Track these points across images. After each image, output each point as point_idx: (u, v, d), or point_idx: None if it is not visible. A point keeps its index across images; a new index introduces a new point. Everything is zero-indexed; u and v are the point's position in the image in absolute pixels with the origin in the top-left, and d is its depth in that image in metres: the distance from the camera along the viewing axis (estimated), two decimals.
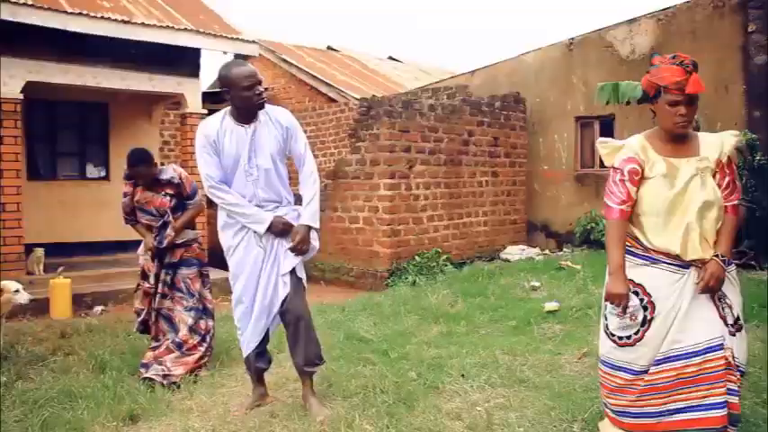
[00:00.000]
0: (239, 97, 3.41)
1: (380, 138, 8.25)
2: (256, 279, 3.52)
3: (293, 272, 3.56)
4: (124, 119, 9.70)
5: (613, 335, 2.74)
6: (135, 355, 4.86)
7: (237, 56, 13.09)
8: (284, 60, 13.61)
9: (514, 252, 9.35)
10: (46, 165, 9.37)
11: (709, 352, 2.52)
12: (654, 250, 2.65)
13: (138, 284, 4.71)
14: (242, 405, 3.73)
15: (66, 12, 7.19)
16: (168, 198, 4.51)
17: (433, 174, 8.73)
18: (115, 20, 7.52)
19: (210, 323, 4.64)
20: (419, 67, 18.56)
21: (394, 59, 19.10)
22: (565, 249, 9.69)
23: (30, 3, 6.93)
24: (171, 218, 4.50)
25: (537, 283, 6.97)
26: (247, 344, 3.62)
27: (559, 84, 10.16)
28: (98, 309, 7.24)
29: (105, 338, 5.50)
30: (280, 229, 3.50)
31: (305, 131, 12.90)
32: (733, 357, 2.54)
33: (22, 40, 7.11)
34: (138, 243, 4.80)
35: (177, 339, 4.46)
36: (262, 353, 3.71)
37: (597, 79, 8.85)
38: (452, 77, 12.29)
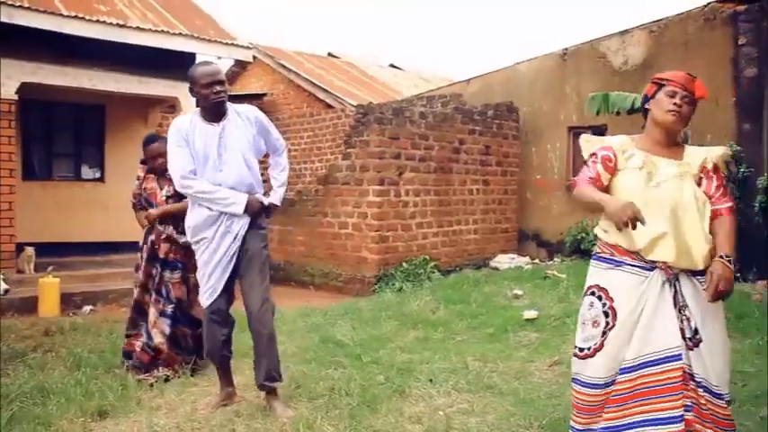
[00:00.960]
0: (199, 94, 3.54)
1: (370, 144, 8.32)
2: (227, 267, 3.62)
3: (265, 285, 3.64)
4: (120, 121, 9.80)
5: (576, 347, 2.65)
6: (114, 353, 4.92)
7: (237, 62, 13.24)
8: (283, 66, 13.72)
9: (504, 261, 9.38)
10: (41, 165, 9.46)
11: (667, 362, 2.42)
12: (619, 250, 2.56)
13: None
14: (209, 404, 3.78)
15: (61, 14, 7.30)
16: (165, 198, 4.53)
17: (422, 181, 8.79)
18: (110, 23, 7.63)
19: (188, 331, 4.54)
20: (420, 75, 18.63)
21: (395, 67, 19.20)
22: (555, 259, 9.71)
23: (26, 5, 7.05)
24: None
25: (520, 292, 7.01)
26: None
27: (553, 93, 10.22)
28: (87, 308, 7.32)
29: (87, 337, 5.57)
30: (256, 209, 3.60)
31: (302, 137, 13.01)
32: (692, 373, 2.43)
33: (18, 41, 7.22)
34: (132, 244, 4.83)
35: (151, 344, 4.45)
36: (227, 340, 3.80)
37: (590, 89, 8.92)
38: (448, 86, 12.36)
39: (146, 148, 4.61)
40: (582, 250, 9.22)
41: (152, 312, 4.51)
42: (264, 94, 13.93)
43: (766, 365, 4.09)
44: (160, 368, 4.44)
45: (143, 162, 4.70)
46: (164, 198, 4.54)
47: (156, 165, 4.54)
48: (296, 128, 12.84)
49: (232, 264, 3.61)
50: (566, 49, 10.11)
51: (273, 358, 3.68)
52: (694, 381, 2.43)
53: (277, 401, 3.66)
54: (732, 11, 8.33)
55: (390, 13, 58.60)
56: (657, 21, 9.10)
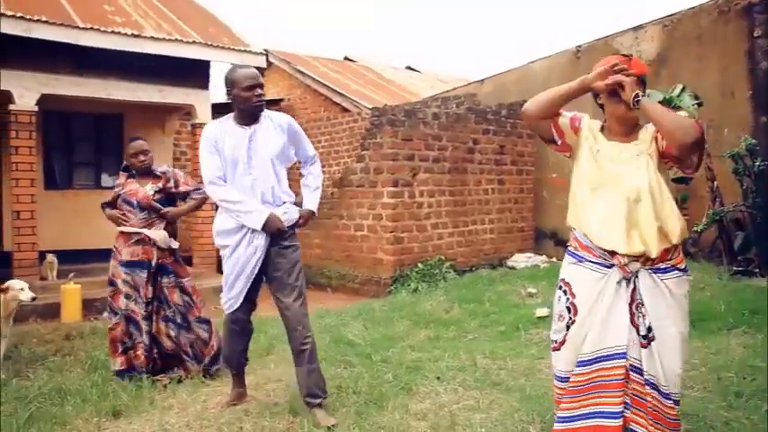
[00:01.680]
0: (240, 97, 3.53)
1: (384, 146, 8.37)
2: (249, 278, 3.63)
3: (300, 302, 3.65)
4: (138, 129, 9.92)
5: (550, 338, 2.70)
6: None
7: (254, 68, 13.30)
8: (299, 71, 13.85)
9: (520, 260, 9.36)
10: (62, 174, 9.68)
11: (614, 359, 2.47)
12: (582, 245, 2.60)
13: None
14: (219, 403, 3.87)
15: (77, 27, 7.48)
16: (152, 192, 4.54)
17: (437, 181, 8.82)
18: (125, 34, 7.79)
19: (192, 336, 4.56)
20: (437, 77, 18.64)
21: (412, 69, 19.24)
22: None
23: (43, 18, 7.23)
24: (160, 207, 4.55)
25: (534, 290, 6.99)
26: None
27: None
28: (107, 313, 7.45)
29: (106, 341, 5.65)
30: (273, 231, 3.54)
31: (319, 141, 13.09)
32: (641, 369, 2.46)
33: (37, 54, 7.42)
34: None
35: (165, 351, 4.54)
36: (245, 348, 3.88)
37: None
38: (463, 86, 12.37)
39: (129, 143, 4.62)
40: None
41: (158, 320, 4.56)
42: (281, 100, 14.08)
43: (767, 361, 4.05)
44: (174, 369, 4.54)
45: (124, 169, 4.72)
46: (151, 193, 4.54)
47: (137, 163, 4.56)
48: (313, 132, 12.94)
49: (254, 275, 3.60)
50: (579, 46, 10.06)
51: (314, 374, 3.61)
52: (643, 378, 2.46)
53: (319, 410, 3.56)
54: (746, 3, 8.22)
55: (403, 13, 58.70)
56: (671, 15, 9.02)
